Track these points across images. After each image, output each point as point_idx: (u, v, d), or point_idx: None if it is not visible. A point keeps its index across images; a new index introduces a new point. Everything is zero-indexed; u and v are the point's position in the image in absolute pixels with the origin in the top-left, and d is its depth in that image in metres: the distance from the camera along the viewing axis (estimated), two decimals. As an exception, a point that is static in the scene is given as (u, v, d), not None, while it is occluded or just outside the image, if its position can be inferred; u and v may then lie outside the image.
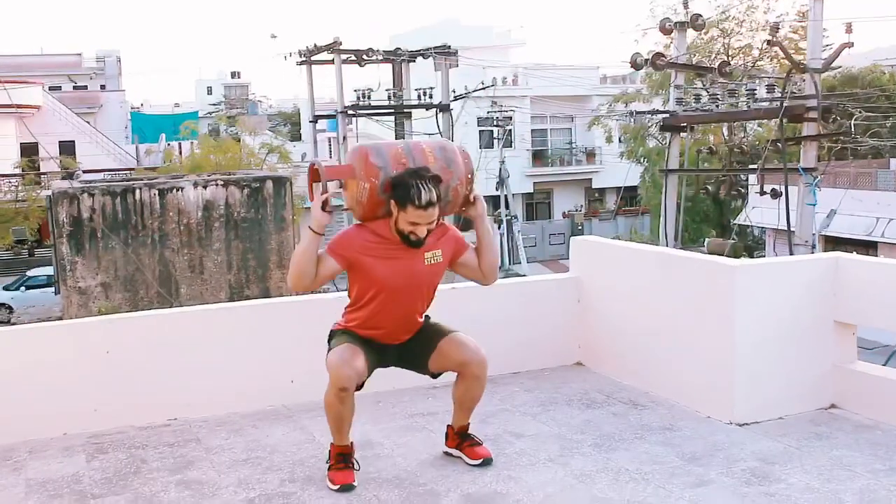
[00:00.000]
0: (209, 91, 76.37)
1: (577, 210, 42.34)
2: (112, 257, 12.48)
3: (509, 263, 34.22)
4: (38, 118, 38.76)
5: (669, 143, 17.22)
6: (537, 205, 44.32)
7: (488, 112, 35.57)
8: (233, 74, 79.16)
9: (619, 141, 30.08)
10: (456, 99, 24.38)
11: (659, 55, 16.65)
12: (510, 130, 39.36)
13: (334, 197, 4.14)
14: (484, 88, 25.59)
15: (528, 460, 4.45)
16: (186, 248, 12.94)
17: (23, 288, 30.08)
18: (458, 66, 38.40)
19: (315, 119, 26.54)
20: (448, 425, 4.54)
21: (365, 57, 23.14)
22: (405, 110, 24.50)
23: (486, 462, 4.38)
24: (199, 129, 43.32)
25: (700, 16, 17.23)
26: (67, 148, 39.67)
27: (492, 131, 37.98)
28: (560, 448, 4.59)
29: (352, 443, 4.34)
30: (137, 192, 12.54)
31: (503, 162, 34.55)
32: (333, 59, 23.09)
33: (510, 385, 5.71)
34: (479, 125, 38.07)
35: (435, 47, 23.29)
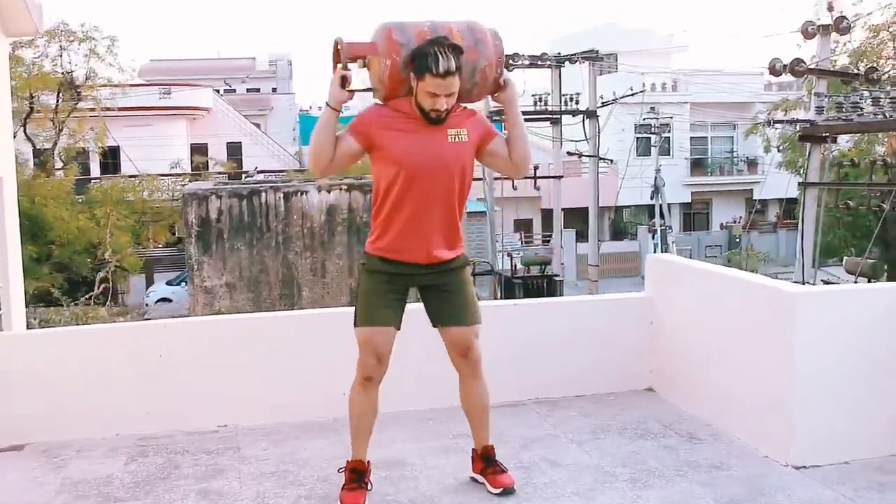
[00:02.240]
0: (375, 95, 77.75)
1: (735, 222, 40.85)
2: (237, 258, 12.81)
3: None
4: (208, 120, 40.50)
5: (809, 154, 16.29)
6: (695, 215, 43.01)
7: (644, 118, 34.75)
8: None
9: (778, 150, 28.79)
10: (604, 105, 23.92)
11: (798, 61, 15.78)
12: (668, 138, 38.37)
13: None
14: (633, 94, 24.98)
15: (553, 493, 4.21)
16: (309, 251, 13.14)
17: (183, 283, 31.47)
18: (616, 70, 37.91)
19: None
20: (473, 448, 4.36)
21: (511, 62, 23.00)
22: (550, 116, 24.20)
23: (507, 492, 4.17)
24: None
25: (845, 18, 16.24)
26: (234, 149, 41.24)
27: (648, 138, 37.13)
28: (593, 481, 4.33)
29: (368, 461, 4.24)
30: (263, 194, 12.82)
31: (659, 170, 33.69)
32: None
33: (568, 409, 5.46)
34: (635, 132, 37.25)
35: (582, 52, 22.93)
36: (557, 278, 24.39)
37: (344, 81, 3.93)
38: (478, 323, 4.17)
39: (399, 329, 4.12)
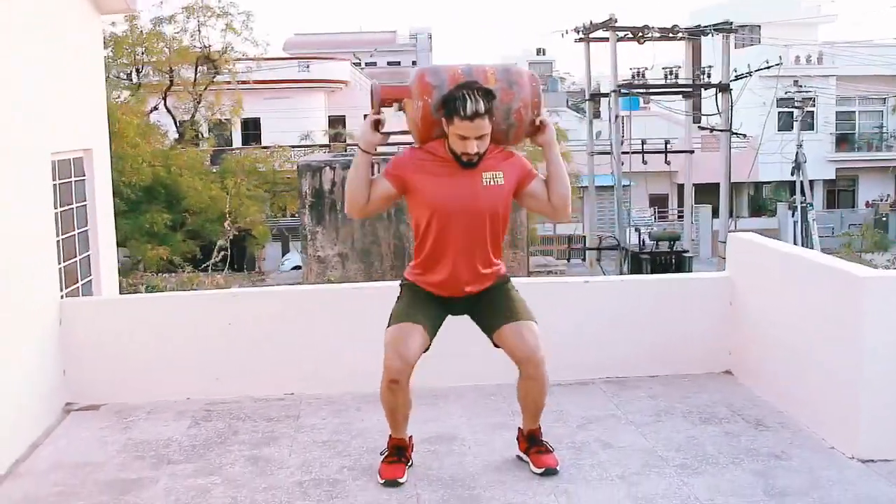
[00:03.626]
0: (514, 68, 77.40)
1: (882, 200, 38.88)
2: (349, 229, 12.97)
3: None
4: (345, 93, 41.10)
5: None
6: (839, 192, 41.12)
7: (787, 92, 33.39)
8: (538, 51, 79.84)
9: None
10: (738, 78, 23.10)
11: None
12: (811, 112, 36.75)
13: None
14: (769, 67, 24.00)
15: (598, 475, 4.10)
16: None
17: (317, 252, 32.14)
18: (759, 42, 36.51)
19: (591, 97, 26.18)
20: (518, 427, 4.28)
21: (642, 34, 22.49)
22: (681, 90, 23.55)
23: (549, 472, 4.09)
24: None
25: None
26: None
27: (791, 113, 35.64)
28: (641, 465, 4.20)
29: (410, 437, 4.23)
30: (376, 166, 12.88)
31: (800, 146, 32.32)
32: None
33: (637, 389, 5.31)
34: (776, 106, 35.83)
35: (715, 24, 22.17)
36: (686, 254, 23.79)
37: (377, 125, 3.92)
38: (532, 320, 4.05)
39: (431, 338, 4.04)
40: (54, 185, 5.43)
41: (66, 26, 5.96)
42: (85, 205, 6.11)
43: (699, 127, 24.29)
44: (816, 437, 4.47)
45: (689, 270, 22.41)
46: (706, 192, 31.54)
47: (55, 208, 5.40)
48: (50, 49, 5.54)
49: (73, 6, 6.05)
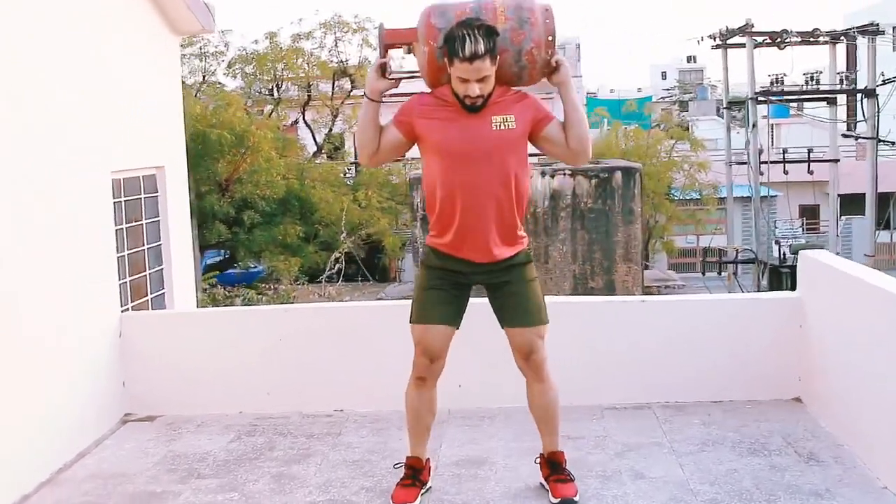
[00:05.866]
0: (663, 76, 76.21)
1: None
2: (459, 242, 12.91)
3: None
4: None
5: None
6: None
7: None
8: (688, 59, 78.17)
9: None
10: (886, 83, 21.86)
11: None
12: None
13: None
14: (919, 71, 22.58)
15: (618, 508, 3.90)
16: (532, 236, 13.02)
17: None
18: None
19: (729, 106, 25.33)
20: (540, 453, 4.12)
21: (781, 39, 21.59)
22: (822, 96, 22.49)
23: (566, 502, 3.91)
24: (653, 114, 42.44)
25: None
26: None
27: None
28: (667, 500, 3.97)
29: (428, 459, 4.13)
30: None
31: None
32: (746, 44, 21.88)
33: (692, 415, 5.04)
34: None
35: (859, 26, 21.08)
36: (830, 269, 22.59)
37: (383, 70, 3.83)
38: (542, 324, 3.92)
39: (457, 328, 3.96)
40: (117, 202, 5.60)
41: (141, 50, 6.15)
42: (157, 220, 6.29)
43: (842, 135, 23.11)
44: (870, 476, 4.13)
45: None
46: (857, 203, 30.04)
47: (117, 224, 5.56)
48: (120, 75, 5.74)
49: (147, 27, 6.25)
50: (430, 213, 3.93)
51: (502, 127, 3.73)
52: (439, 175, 3.79)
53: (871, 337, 4.33)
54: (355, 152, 32.42)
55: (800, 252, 5.46)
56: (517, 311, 3.91)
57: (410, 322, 3.99)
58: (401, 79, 3.89)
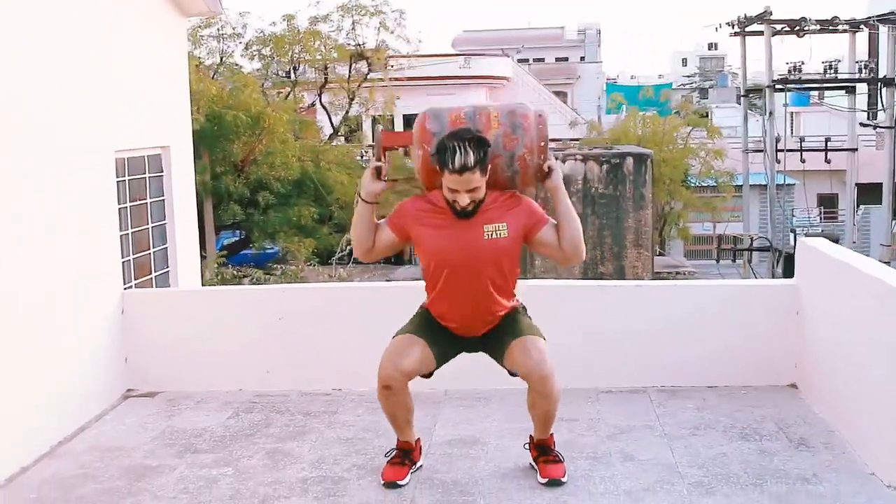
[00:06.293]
0: (684, 63, 75.80)
1: None
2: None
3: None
4: (508, 89, 41.06)
5: None
6: None
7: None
8: (710, 46, 77.60)
9: None
10: (905, 72, 21.65)
11: None
12: None
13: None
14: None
15: (605, 489, 3.94)
16: (542, 221, 13.03)
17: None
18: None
19: (747, 93, 25.19)
20: (530, 435, 4.16)
21: (800, 27, 21.44)
22: (840, 85, 22.34)
23: (553, 483, 3.96)
24: (673, 100, 42.23)
25: None
26: (533, 118, 41.55)
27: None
28: (654, 481, 4.00)
29: (418, 439, 4.18)
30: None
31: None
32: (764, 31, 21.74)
33: (687, 400, 5.07)
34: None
35: (879, 15, 20.90)
36: (846, 258, 22.46)
37: (379, 173, 3.88)
38: (536, 335, 3.92)
39: (437, 363, 4.01)
40: (120, 181, 5.66)
41: (147, 31, 6.20)
42: (162, 199, 6.35)
43: (861, 124, 22.95)
44: (858, 462, 4.15)
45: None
46: (876, 193, 29.85)
47: (121, 203, 5.62)
48: (126, 56, 5.79)
49: (153, 7, 6.29)
50: (429, 290, 4.03)
51: (494, 235, 3.81)
52: (433, 272, 3.92)
53: (864, 325, 4.34)
54: (372, 134, 32.56)
55: (798, 239, 5.45)
56: (510, 331, 3.94)
57: (396, 335, 4.01)
58: (395, 181, 3.96)
